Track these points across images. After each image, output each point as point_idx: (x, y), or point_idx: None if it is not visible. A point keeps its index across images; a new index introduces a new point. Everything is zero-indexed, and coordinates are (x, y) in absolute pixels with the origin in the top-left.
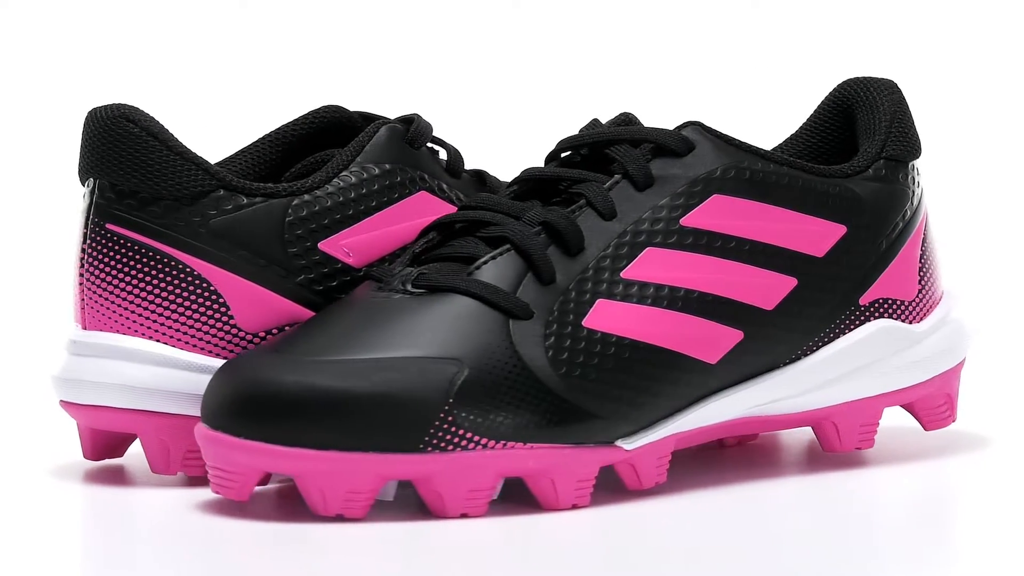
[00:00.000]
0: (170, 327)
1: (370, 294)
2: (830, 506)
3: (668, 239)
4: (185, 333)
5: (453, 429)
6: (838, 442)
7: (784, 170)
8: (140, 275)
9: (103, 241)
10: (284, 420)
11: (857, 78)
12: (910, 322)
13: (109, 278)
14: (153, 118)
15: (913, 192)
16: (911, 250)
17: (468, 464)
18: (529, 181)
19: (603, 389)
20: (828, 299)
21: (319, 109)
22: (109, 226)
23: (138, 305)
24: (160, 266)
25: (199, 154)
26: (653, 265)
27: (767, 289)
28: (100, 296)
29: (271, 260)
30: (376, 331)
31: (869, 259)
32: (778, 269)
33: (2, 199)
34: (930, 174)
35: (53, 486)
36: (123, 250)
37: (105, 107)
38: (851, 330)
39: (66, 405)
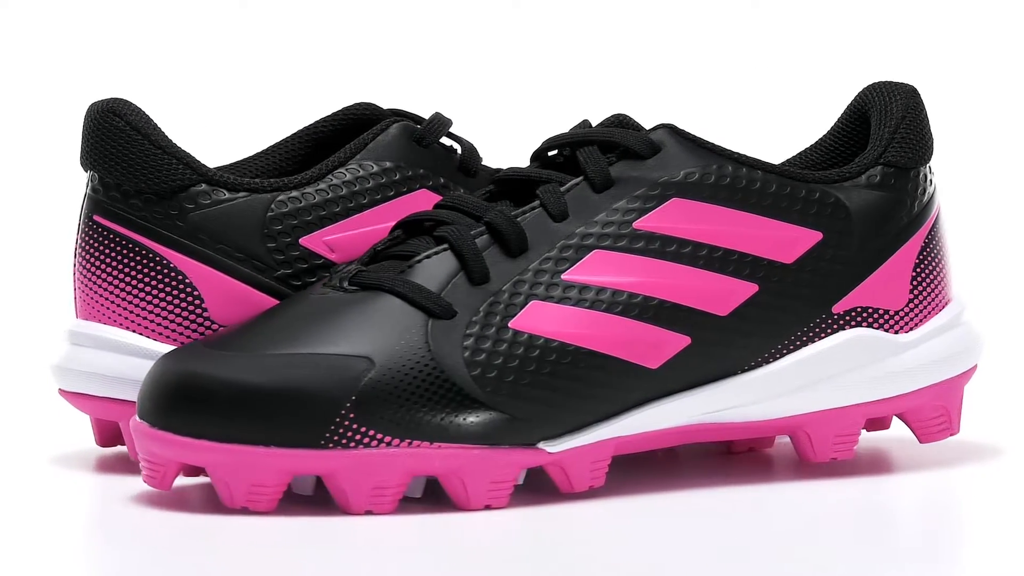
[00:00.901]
0: (146, 318)
1: (314, 291)
2: (786, 516)
3: (618, 242)
4: (159, 324)
5: (355, 426)
6: (812, 452)
7: (758, 175)
8: (121, 267)
9: (91, 232)
10: (193, 412)
11: (877, 83)
12: (896, 332)
13: (95, 269)
14: (141, 112)
15: (915, 199)
16: (903, 258)
17: (370, 462)
18: (505, 181)
19: (521, 391)
20: (795, 306)
21: (351, 106)
22: (96, 218)
23: (117, 296)
24: (139, 258)
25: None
26: (597, 268)
27: (722, 295)
28: (88, 286)
29: (249, 255)
30: (301, 328)
31: (848, 267)
32: (737, 275)
33: (30, 188)
34: (955, 180)
35: (56, 473)
36: (108, 242)
37: (99, 101)
38: (821, 338)
39: (63, 393)
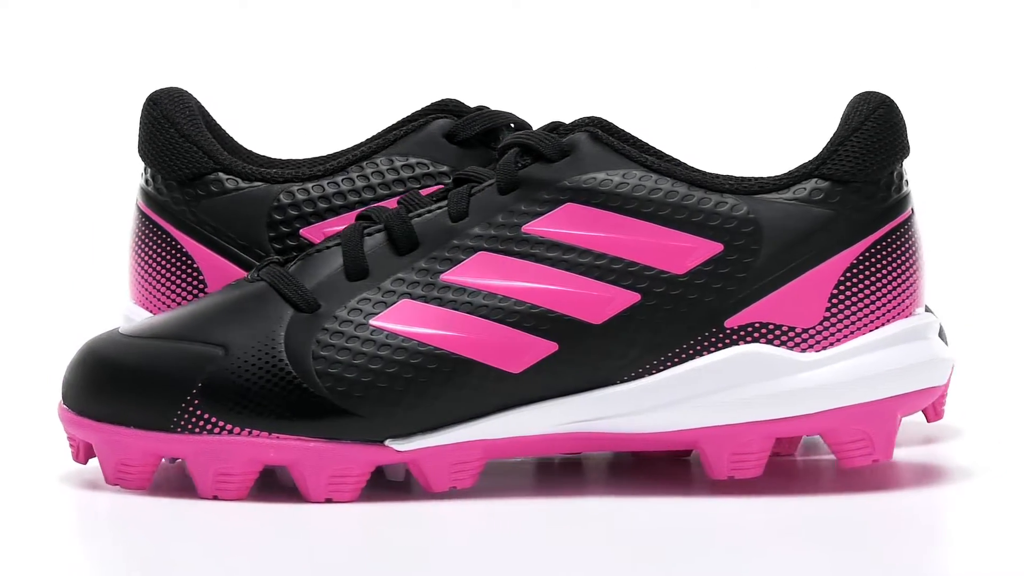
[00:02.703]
0: (158, 299)
1: (241, 280)
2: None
3: (503, 244)
4: (167, 306)
5: (199, 412)
6: (710, 468)
7: (666, 183)
8: (149, 249)
9: (137, 218)
10: (80, 391)
11: (860, 93)
12: (802, 350)
13: (136, 251)
14: (181, 101)
15: (853, 213)
16: (823, 275)
17: (213, 448)
18: (456, 179)
19: (362, 387)
20: (681, 318)
21: (436, 102)
22: (139, 203)
23: (142, 277)
24: (160, 242)
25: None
26: (476, 270)
27: (598, 303)
28: (133, 270)
29: (252, 242)
30: (197, 315)
31: (748, 282)
32: (618, 283)
33: (109, 179)
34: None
35: None
36: (143, 226)
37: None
38: (710, 352)
39: None
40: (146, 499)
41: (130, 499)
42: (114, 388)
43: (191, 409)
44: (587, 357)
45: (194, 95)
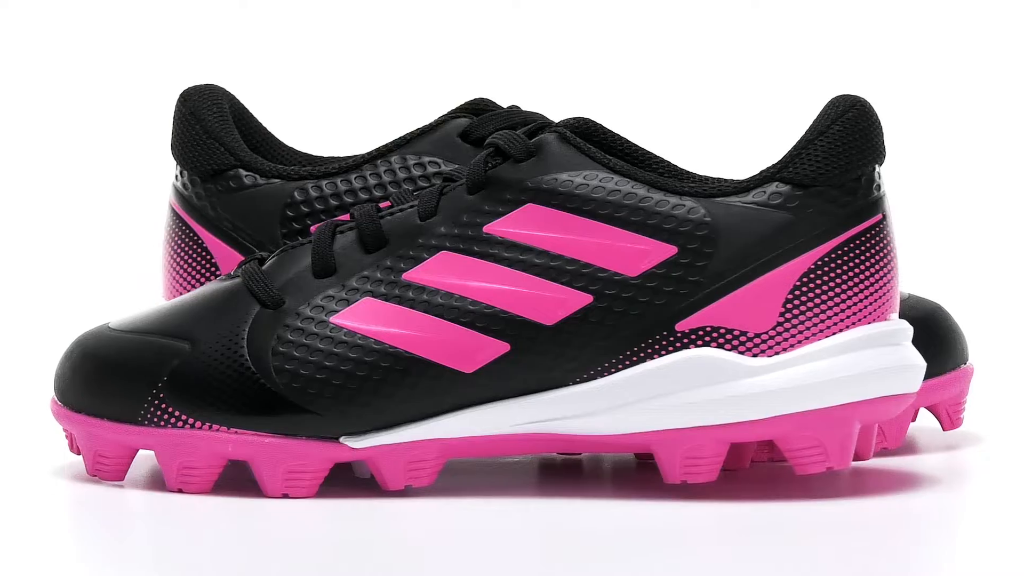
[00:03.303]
0: (179, 294)
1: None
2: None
3: (464, 244)
4: None
5: (163, 406)
6: (664, 472)
7: (626, 185)
8: (176, 245)
9: (168, 214)
10: (64, 383)
11: (836, 96)
12: (753, 354)
13: (166, 247)
14: (208, 98)
15: (814, 218)
16: (778, 279)
17: (177, 441)
18: (445, 180)
19: (319, 385)
20: (633, 321)
21: (468, 101)
22: (170, 199)
23: (169, 272)
24: (185, 237)
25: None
26: (438, 269)
27: (550, 304)
28: (164, 264)
29: (267, 239)
30: (171, 309)
31: (700, 285)
32: (570, 284)
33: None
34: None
35: None
36: (172, 223)
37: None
38: (661, 356)
39: None
40: (118, 490)
41: (104, 490)
42: (92, 381)
43: (156, 402)
44: (539, 358)
45: (233, 93)
